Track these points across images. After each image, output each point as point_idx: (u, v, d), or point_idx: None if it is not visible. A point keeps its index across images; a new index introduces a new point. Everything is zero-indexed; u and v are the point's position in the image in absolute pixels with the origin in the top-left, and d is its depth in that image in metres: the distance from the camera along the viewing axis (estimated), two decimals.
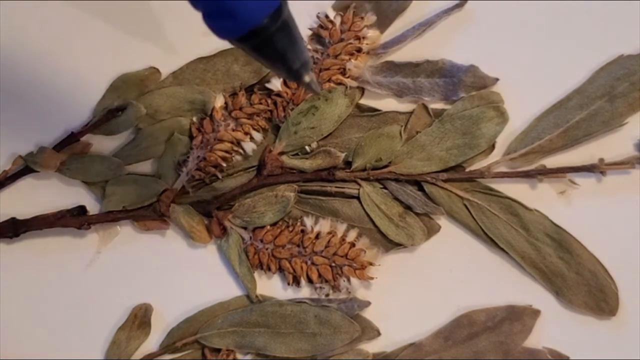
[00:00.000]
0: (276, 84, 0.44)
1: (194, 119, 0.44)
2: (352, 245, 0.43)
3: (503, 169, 0.43)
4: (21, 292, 0.45)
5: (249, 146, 0.44)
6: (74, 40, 0.46)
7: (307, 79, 0.33)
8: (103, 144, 0.45)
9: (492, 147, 0.43)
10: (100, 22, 0.46)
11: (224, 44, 0.44)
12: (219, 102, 0.44)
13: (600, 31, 0.44)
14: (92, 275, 0.45)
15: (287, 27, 0.32)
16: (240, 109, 0.44)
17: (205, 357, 0.43)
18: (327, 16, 0.44)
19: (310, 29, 0.45)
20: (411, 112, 0.44)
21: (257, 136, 0.44)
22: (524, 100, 0.43)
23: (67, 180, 0.45)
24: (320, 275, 0.43)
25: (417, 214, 0.43)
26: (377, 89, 0.44)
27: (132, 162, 0.45)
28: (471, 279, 0.43)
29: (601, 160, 0.43)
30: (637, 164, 0.42)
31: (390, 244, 0.43)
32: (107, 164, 0.44)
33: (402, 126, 0.43)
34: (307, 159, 0.44)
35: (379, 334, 0.43)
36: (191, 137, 0.44)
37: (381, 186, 0.43)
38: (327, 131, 0.44)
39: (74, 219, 0.44)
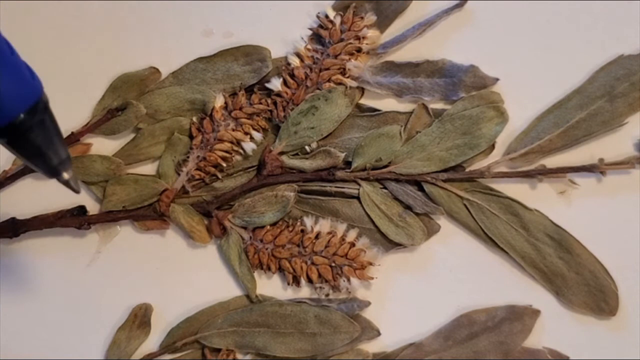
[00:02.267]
0: (276, 84, 0.44)
1: (194, 119, 0.44)
2: (352, 245, 0.43)
3: (503, 169, 0.43)
4: (21, 292, 0.45)
5: (249, 146, 0.44)
6: (74, 40, 0.46)
7: (65, 175, 0.33)
8: (103, 144, 0.45)
9: (492, 147, 0.43)
10: (100, 22, 0.46)
11: (224, 44, 0.45)
12: (219, 102, 0.44)
13: (600, 31, 0.44)
14: (92, 275, 0.45)
15: (44, 123, 0.31)
16: (240, 109, 0.44)
17: (205, 357, 0.43)
18: (327, 16, 0.44)
19: (310, 29, 0.45)
20: (411, 112, 0.44)
21: (257, 136, 0.44)
22: (524, 100, 0.44)
23: None
24: (320, 275, 0.43)
25: (417, 214, 0.43)
26: (377, 89, 0.44)
27: (132, 162, 0.45)
28: (471, 279, 0.43)
29: (601, 160, 0.43)
30: (637, 164, 0.42)
31: (390, 244, 0.43)
32: (107, 164, 0.44)
33: (402, 126, 0.43)
34: (307, 159, 0.44)
35: (379, 334, 0.43)
36: (191, 137, 0.44)
37: (381, 186, 0.44)
38: (327, 131, 0.44)
39: (74, 219, 0.44)
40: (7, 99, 0.30)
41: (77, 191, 0.34)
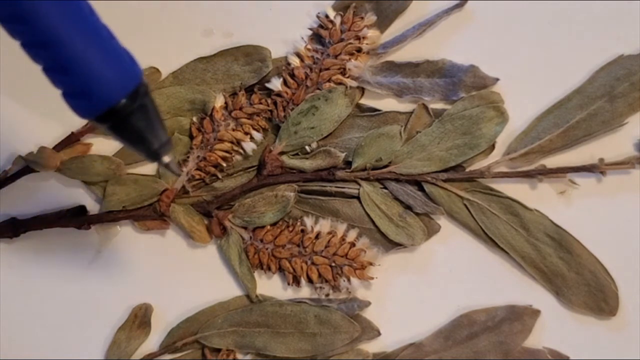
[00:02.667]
0: (276, 83, 0.44)
1: (194, 119, 0.44)
2: (352, 245, 0.43)
3: (503, 169, 0.43)
4: (21, 292, 0.45)
5: (249, 146, 0.44)
6: None
7: (166, 159, 0.33)
8: (103, 144, 0.45)
9: (492, 147, 0.43)
10: None
11: (224, 44, 0.45)
12: (219, 102, 0.44)
13: (600, 31, 0.44)
14: (92, 275, 0.45)
15: (146, 107, 0.32)
16: (240, 109, 0.44)
17: (205, 357, 0.43)
18: (327, 16, 0.44)
19: (310, 29, 0.45)
20: (411, 112, 0.44)
21: (257, 136, 0.44)
22: (524, 100, 0.44)
23: (67, 180, 0.45)
24: (320, 275, 0.43)
25: (417, 214, 0.43)
26: (377, 89, 0.44)
27: (132, 162, 0.45)
28: (471, 279, 0.43)
29: (601, 160, 0.43)
30: (637, 164, 0.42)
31: (390, 244, 0.43)
32: (107, 164, 0.44)
33: (402, 126, 0.43)
34: (307, 159, 0.44)
35: (379, 334, 0.43)
36: (191, 137, 0.44)
37: (381, 186, 0.44)
38: (327, 131, 0.44)
39: (74, 219, 0.44)
40: (109, 85, 0.30)
41: (177, 174, 0.35)
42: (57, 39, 0.30)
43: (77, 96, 0.31)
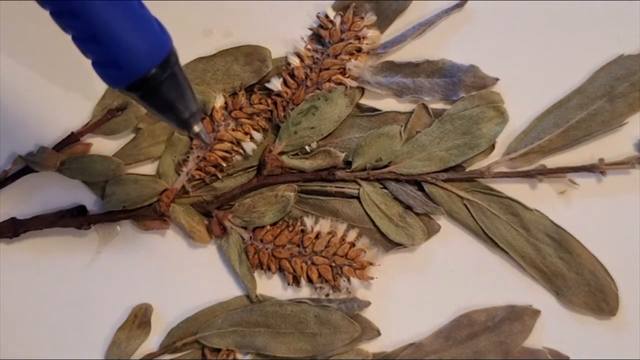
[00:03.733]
0: (276, 84, 0.44)
1: None
2: (352, 245, 0.43)
3: (503, 169, 0.43)
4: (21, 292, 0.45)
5: (249, 146, 0.44)
6: None
7: (196, 128, 0.33)
8: (103, 144, 0.45)
9: (492, 147, 0.43)
10: None
11: (224, 44, 0.45)
12: (219, 102, 0.44)
13: (600, 31, 0.44)
14: (92, 275, 0.45)
15: (176, 76, 0.32)
16: (240, 109, 0.44)
17: (205, 357, 0.43)
18: (327, 16, 0.44)
19: (310, 29, 0.45)
20: (411, 112, 0.44)
21: (257, 136, 0.44)
22: (524, 100, 0.44)
23: (67, 180, 0.45)
24: (320, 275, 0.43)
25: (417, 214, 0.43)
26: (377, 89, 0.44)
27: (132, 162, 0.45)
28: (471, 279, 0.43)
29: (601, 160, 0.43)
30: (637, 164, 0.42)
31: (390, 244, 0.43)
32: (107, 164, 0.44)
33: (402, 126, 0.43)
34: (307, 159, 0.44)
35: (379, 334, 0.43)
36: (191, 137, 0.44)
37: (381, 186, 0.44)
38: (327, 131, 0.44)
39: (74, 219, 0.44)
40: (139, 54, 0.30)
41: (207, 143, 0.35)
42: (88, 8, 0.30)
43: (107, 65, 0.31)
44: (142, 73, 0.31)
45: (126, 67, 0.31)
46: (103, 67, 0.31)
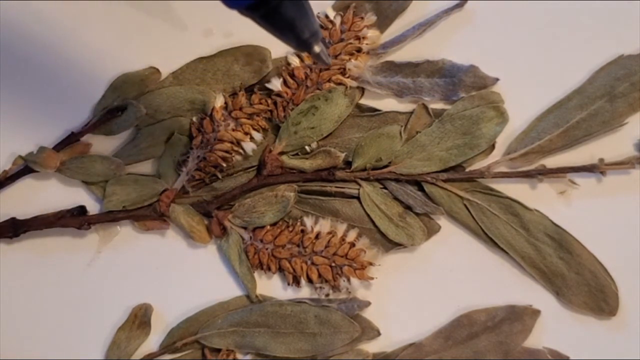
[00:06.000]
0: (276, 84, 0.44)
1: (194, 119, 0.44)
2: (352, 245, 0.43)
3: (503, 169, 0.43)
4: (21, 292, 0.45)
5: (249, 146, 0.44)
6: (74, 40, 0.46)
7: (317, 49, 0.33)
8: (103, 144, 0.45)
9: (492, 147, 0.43)
10: (100, 22, 0.46)
11: (224, 44, 0.45)
12: (219, 102, 0.44)
13: (600, 31, 0.44)
14: (92, 275, 0.45)
15: None
16: (240, 109, 0.44)
17: (205, 357, 0.43)
18: (327, 16, 0.44)
19: None
20: (411, 112, 0.44)
21: (257, 136, 0.44)
22: (524, 100, 0.44)
23: (67, 180, 0.45)
24: (320, 275, 0.43)
25: (417, 214, 0.43)
26: (377, 89, 0.44)
27: (132, 162, 0.45)
28: (471, 279, 0.43)
29: (601, 160, 0.43)
30: (637, 164, 0.42)
31: (390, 244, 0.43)
32: (107, 164, 0.44)
33: (402, 126, 0.43)
34: (307, 159, 0.44)
35: (379, 334, 0.43)
36: (191, 137, 0.44)
37: (381, 186, 0.44)
38: (327, 131, 0.44)
39: (74, 219, 0.44)
40: None
41: (327, 64, 0.35)
42: None
43: None
44: None
45: None
46: None
